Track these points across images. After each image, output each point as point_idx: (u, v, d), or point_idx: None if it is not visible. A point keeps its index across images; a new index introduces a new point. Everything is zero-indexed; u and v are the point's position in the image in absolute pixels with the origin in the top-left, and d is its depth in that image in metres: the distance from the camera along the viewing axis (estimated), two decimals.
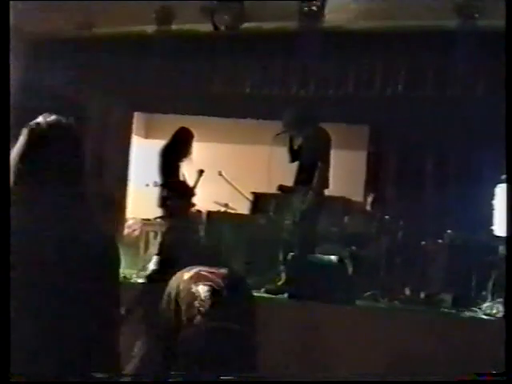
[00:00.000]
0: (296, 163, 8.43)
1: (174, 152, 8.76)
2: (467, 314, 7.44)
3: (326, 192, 8.47)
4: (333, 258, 8.11)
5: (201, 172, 9.04)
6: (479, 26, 8.30)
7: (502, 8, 8.12)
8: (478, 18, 8.28)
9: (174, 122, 9.73)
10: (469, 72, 9.10)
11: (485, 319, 7.27)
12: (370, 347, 6.47)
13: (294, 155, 8.46)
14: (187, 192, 8.86)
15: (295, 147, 8.47)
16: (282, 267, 8.33)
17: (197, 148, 9.11)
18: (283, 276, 8.17)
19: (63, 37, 9.02)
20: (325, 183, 8.29)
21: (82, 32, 8.91)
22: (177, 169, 8.75)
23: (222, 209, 10.33)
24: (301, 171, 8.29)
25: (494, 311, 7.43)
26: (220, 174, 10.05)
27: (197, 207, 9.52)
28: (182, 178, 8.83)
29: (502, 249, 7.82)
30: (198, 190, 9.06)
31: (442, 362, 6.00)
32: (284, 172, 8.86)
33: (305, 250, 8.07)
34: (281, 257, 8.42)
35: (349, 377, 2.54)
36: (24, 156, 2.50)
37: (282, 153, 8.70)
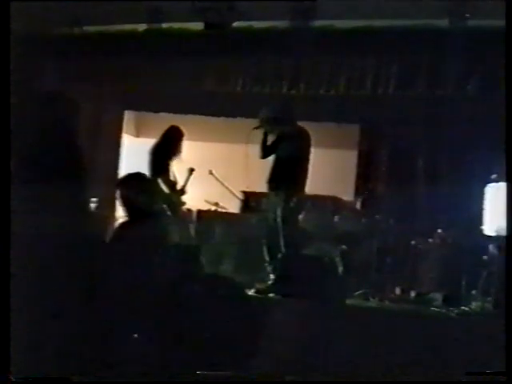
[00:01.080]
0: (271, 160, 8.38)
1: (165, 151, 8.77)
2: (457, 312, 7.46)
3: (317, 191, 8.48)
4: (323, 257, 8.14)
5: (191, 170, 9.05)
6: (470, 26, 8.33)
7: (492, 8, 8.17)
8: (468, 17, 8.31)
9: (164, 121, 9.74)
10: (460, 71, 9.13)
11: (475, 318, 7.30)
12: (361, 346, 6.48)
13: (267, 151, 8.43)
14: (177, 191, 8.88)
15: (268, 143, 8.44)
16: (271, 266, 8.33)
17: (187, 147, 9.11)
18: (273, 275, 8.16)
19: (54, 34, 9.02)
20: (304, 182, 8.30)
21: (72, 30, 8.92)
22: (167, 167, 8.76)
23: (213, 208, 10.32)
24: (276, 168, 8.26)
25: (484, 310, 7.46)
26: (210, 172, 10.04)
27: (187, 206, 9.52)
28: (172, 177, 8.83)
29: (492, 248, 7.85)
30: (188, 189, 9.06)
31: (432, 360, 6.02)
32: None
33: (290, 249, 8.07)
34: (269, 256, 8.43)
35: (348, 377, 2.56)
36: None
37: None
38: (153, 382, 2.20)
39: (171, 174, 8.82)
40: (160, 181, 8.64)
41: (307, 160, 8.31)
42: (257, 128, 8.41)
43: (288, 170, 8.11)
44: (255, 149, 8.56)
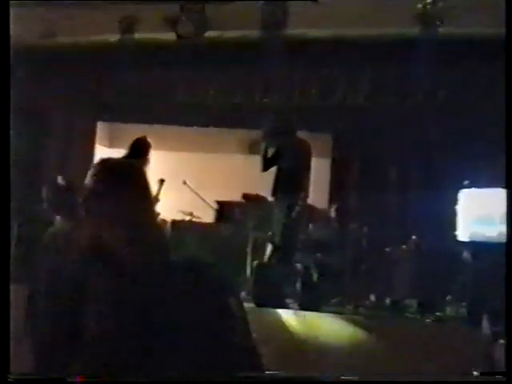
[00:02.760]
0: (273, 172, 8.33)
1: None
2: (432, 318, 7.50)
3: None
4: (298, 265, 8.13)
5: (161, 181, 9.00)
6: (440, 34, 8.39)
7: (462, 16, 8.24)
8: (439, 25, 8.37)
9: (137, 132, 9.66)
10: (430, 80, 9.20)
11: (449, 323, 7.36)
12: (338, 353, 6.48)
13: (267, 164, 8.39)
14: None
15: (269, 156, 8.39)
16: (248, 275, 8.33)
17: (161, 157, 9.05)
18: (250, 284, 8.15)
19: (26, 46, 8.96)
20: (307, 192, 8.30)
21: (45, 41, 8.88)
22: None
23: (187, 218, 10.29)
24: (279, 180, 8.21)
25: (459, 315, 7.52)
26: (184, 182, 10.00)
27: (161, 216, 9.47)
28: None
29: (465, 254, 7.90)
30: (162, 200, 9.01)
31: (408, 365, 6.02)
32: (248, 180, 8.85)
33: (287, 258, 8.05)
34: (248, 265, 8.42)
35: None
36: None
37: (246, 161, 8.69)
38: (153, 381, 2.15)
39: None
40: None
41: (308, 170, 8.31)
42: (259, 141, 8.37)
43: (291, 181, 8.08)
44: (228, 158, 8.56)
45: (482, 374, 2.77)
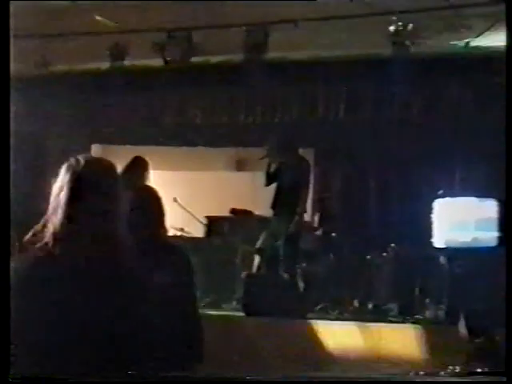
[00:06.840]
0: (273, 187, 8.36)
1: (128, 180, 8.64)
2: (412, 321, 7.54)
3: None
4: (285, 275, 8.17)
5: (174, 200, 9.00)
6: (412, 53, 8.50)
7: (432, 35, 8.36)
8: (410, 45, 8.48)
9: (130, 153, 9.71)
10: (403, 96, 9.29)
11: (428, 325, 7.40)
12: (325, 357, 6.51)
13: (269, 180, 8.42)
14: None
15: (271, 171, 8.41)
16: (238, 286, 8.36)
17: (153, 176, 9.10)
18: (239, 294, 8.18)
19: (21, 75, 9.01)
20: (305, 207, 8.38)
21: (39, 70, 8.93)
22: None
23: (178, 233, 10.30)
24: (279, 195, 8.28)
25: (438, 317, 7.57)
26: (175, 200, 10.02)
27: None
28: None
29: (442, 259, 7.96)
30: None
31: (389, 365, 6.08)
32: (236, 196, 8.90)
33: (288, 267, 8.09)
34: (237, 276, 8.46)
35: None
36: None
37: (233, 178, 8.73)
38: (154, 381, 2.16)
39: None
40: None
41: (307, 186, 8.38)
42: (262, 158, 8.42)
43: (290, 196, 8.12)
44: (216, 175, 8.60)
45: (481, 373, 2.80)
